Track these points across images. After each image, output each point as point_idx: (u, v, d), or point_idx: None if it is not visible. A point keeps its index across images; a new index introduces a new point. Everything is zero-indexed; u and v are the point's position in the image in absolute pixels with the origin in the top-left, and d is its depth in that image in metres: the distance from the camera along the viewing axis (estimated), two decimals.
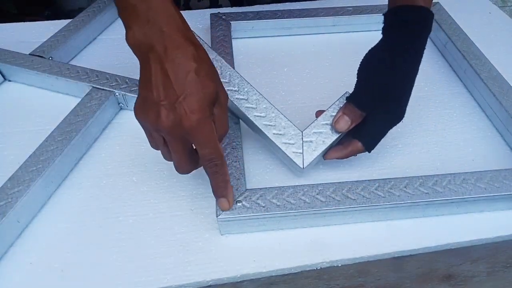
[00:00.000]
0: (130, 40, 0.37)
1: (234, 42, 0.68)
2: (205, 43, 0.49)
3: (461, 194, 0.44)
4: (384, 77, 0.45)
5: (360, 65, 0.46)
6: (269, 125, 0.48)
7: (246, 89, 0.49)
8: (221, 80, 0.48)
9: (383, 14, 0.46)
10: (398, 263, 0.46)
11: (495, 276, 0.55)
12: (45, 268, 0.41)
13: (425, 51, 0.46)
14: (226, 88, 0.48)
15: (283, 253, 0.43)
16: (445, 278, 0.53)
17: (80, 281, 0.40)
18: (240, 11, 0.73)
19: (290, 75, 0.65)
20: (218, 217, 0.42)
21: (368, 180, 0.46)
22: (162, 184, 0.49)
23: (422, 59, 0.46)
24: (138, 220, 0.45)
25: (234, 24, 0.69)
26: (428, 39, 0.48)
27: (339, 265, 0.43)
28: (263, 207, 0.43)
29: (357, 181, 0.45)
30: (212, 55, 0.51)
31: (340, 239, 0.44)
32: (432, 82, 0.64)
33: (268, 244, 0.44)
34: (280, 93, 0.61)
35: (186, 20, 0.38)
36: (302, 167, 0.46)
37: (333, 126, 0.47)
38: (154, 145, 0.41)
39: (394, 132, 0.48)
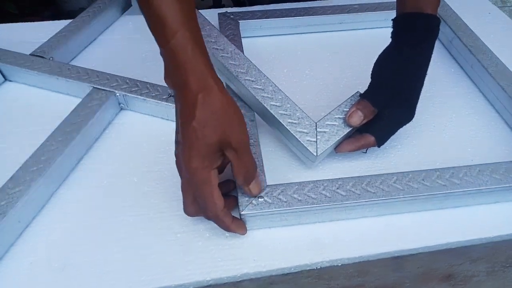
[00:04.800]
0: (165, 78, 0.39)
1: (242, 41, 0.69)
2: (222, 35, 0.51)
3: (477, 186, 0.45)
4: (395, 77, 0.47)
5: (373, 66, 0.49)
6: (284, 114, 0.49)
7: (263, 80, 0.51)
8: (239, 70, 0.50)
9: (392, 20, 0.49)
10: (398, 263, 0.46)
11: (495, 276, 0.55)
12: (45, 268, 0.41)
13: None
14: (243, 78, 0.51)
15: (283, 253, 0.43)
16: (445, 278, 0.53)
17: (80, 281, 0.40)
18: (247, 10, 0.73)
19: (300, 73, 0.65)
20: (241, 212, 0.42)
21: (387, 173, 0.46)
22: (162, 184, 0.49)
23: None
24: (139, 220, 0.46)
25: (242, 23, 0.70)
26: None
27: (339, 264, 0.43)
28: (285, 202, 0.43)
29: (376, 174, 0.46)
30: (231, 47, 0.53)
31: (340, 238, 0.44)
32: (439, 78, 0.65)
33: (268, 243, 0.44)
34: (290, 90, 0.61)
35: None
36: (315, 154, 0.47)
37: (346, 120, 0.48)
38: None
39: (406, 126, 0.50)
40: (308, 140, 0.47)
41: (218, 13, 0.71)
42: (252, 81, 0.51)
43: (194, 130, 0.37)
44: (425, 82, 0.48)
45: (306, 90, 0.62)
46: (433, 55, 0.48)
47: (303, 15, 0.71)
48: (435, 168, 0.47)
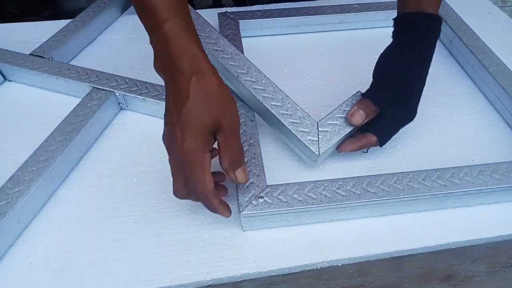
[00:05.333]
0: (155, 66, 0.39)
1: (242, 41, 0.69)
2: (222, 37, 0.52)
3: (478, 186, 0.45)
4: (396, 77, 0.47)
5: (375, 65, 0.49)
6: (285, 113, 0.49)
7: (263, 81, 0.51)
8: (240, 71, 0.51)
9: (393, 19, 0.49)
10: (398, 263, 0.46)
11: (495, 276, 0.55)
12: (45, 268, 0.41)
13: None
14: (244, 79, 0.51)
15: (283, 253, 0.43)
16: (445, 278, 0.53)
17: (80, 281, 0.40)
18: (247, 10, 0.73)
19: (301, 73, 0.65)
20: (241, 213, 0.42)
21: (387, 174, 0.46)
22: (162, 184, 0.49)
23: None
24: (138, 220, 0.45)
25: (242, 23, 0.70)
26: None
27: (339, 265, 0.43)
28: (285, 202, 0.43)
29: (376, 175, 0.46)
30: (231, 49, 0.53)
31: (340, 238, 0.44)
32: (440, 78, 0.65)
33: (268, 243, 0.44)
34: (290, 90, 0.61)
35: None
36: (317, 153, 0.47)
37: (348, 119, 0.48)
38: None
39: (407, 126, 0.50)
40: (310, 140, 0.47)
41: (218, 13, 0.71)
42: (253, 81, 0.51)
43: (188, 112, 0.37)
44: (426, 83, 0.48)
45: (307, 90, 0.62)
46: (433, 55, 0.48)
47: (303, 15, 0.71)
48: (435, 168, 0.47)
